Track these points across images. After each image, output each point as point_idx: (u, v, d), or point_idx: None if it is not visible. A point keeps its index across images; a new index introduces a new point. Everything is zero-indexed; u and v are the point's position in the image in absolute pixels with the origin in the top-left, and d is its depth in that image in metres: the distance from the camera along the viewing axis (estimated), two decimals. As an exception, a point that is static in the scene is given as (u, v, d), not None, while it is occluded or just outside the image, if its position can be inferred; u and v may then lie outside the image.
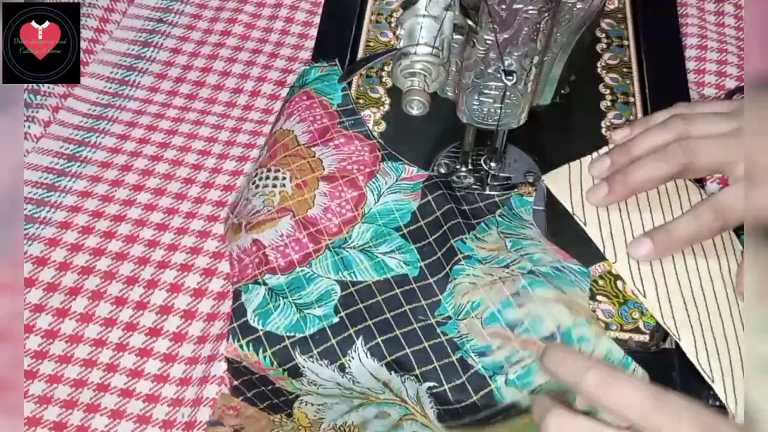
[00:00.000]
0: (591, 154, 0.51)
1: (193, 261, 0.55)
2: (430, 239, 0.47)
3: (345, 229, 0.47)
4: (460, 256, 0.46)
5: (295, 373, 0.44)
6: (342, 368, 0.43)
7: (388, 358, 0.43)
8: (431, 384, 0.43)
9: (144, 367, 0.51)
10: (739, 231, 0.48)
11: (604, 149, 0.51)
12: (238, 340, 0.44)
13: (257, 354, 0.44)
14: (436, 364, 0.43)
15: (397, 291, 0.45)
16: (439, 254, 0.46)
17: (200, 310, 0.53)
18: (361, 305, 0.45)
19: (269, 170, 0.49)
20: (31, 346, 0.51)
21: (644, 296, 0.45)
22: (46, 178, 0.59)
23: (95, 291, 0.53)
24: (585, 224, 0.48)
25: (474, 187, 0.51)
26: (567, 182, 0.50)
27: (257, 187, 0.49)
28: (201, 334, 0.52)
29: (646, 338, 0.46)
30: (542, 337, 0.43)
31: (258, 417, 0.48)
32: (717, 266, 0.46)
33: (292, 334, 0.44)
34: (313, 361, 0.43)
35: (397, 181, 0.50)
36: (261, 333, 0.44)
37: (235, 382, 0.47)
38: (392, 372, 0.43)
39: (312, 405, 0.46)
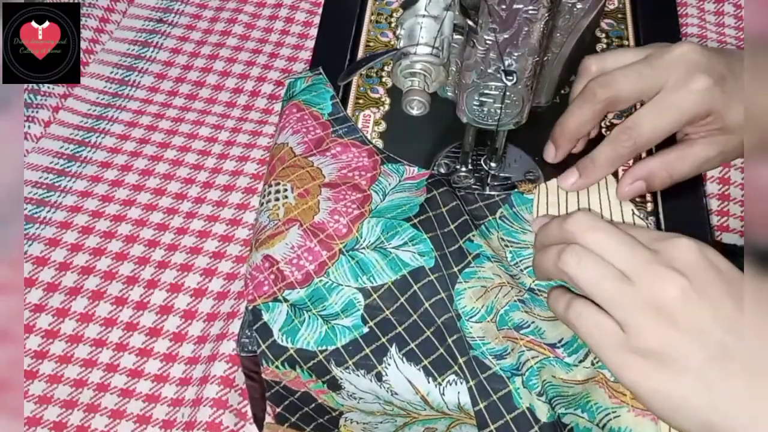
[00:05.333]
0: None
1: (193, 261, 0.55)
2: (438, 232, 0.46)
3: (354, 227, 0.46)
4: (469, 257, 0.45)
5: (334, 385, 0.43)
6: (379, 377, 0.42)
7: (425, 361, 0.43)
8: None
9: (144, 367, 0.51)
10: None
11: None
12: (272, 363, 0.43)
13: (295, 370, 0.43)
14: (460, 360, 0.42)
15: (416, 287, 0.44)
16: (447, 251, 0.46)
17: (200, 310, 0.53)
18: (387, 312, 0.44)
19: (270, 185, 0.49)
20: (31, 346, 0.51)
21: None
22: (46, 178, 0.59)
23: (95, 291, 0.53)
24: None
25: (474, 187, 0.51)
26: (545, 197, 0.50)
27: (262, 204, 0.48)
28: (201, 334, 0.52)
29: None
30: (546, 342, 0.42)
31: None
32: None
33: (323, 347, 0.43)
34: (349, 372, 0.42)
35: (400, 181, 0.50)
36: (292, 351, 0.42)
37: (278, 410, 0.46)
38: (430, 379, 0.42)
39: (357, 423, 0.46)
